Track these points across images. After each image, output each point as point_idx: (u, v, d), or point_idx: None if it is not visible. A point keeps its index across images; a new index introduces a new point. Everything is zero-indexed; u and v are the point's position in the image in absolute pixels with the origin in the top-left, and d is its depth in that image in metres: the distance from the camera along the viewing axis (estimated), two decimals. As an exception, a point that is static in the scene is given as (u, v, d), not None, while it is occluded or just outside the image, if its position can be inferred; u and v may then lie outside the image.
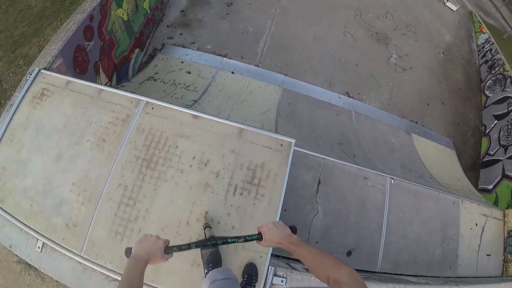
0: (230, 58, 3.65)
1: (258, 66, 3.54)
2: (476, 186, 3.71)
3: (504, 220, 3.01)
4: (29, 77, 2.55)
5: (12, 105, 2.51)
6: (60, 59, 2.61)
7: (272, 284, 1.88)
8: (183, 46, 3.87)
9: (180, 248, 0.96)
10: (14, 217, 2.23)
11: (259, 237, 0.98)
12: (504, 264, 2.92)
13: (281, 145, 1.97)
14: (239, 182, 1.88)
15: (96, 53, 3.01)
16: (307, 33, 4.10)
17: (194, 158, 1.88)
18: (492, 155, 3.89)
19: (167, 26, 4.11)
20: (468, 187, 3.41)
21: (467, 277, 2.70)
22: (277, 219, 1.90)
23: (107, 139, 2.00)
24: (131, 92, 2.53)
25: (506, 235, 2.96)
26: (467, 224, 2.77)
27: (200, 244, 1.01)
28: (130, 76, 3.53)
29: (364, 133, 3.04)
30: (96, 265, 1.93)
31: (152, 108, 1.96)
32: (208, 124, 1.92)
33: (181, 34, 4.02)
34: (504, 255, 2.94)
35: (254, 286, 1.78)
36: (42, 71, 2.54)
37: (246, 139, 1.93)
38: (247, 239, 0.99)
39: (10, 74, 3.15)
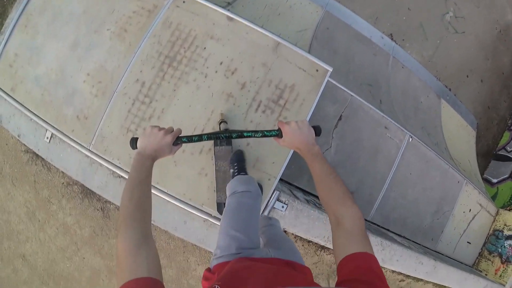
0: (274, -36, 3.18)
1: (303, -20, 3.09)
2: (481, 173, 3.61)
3: (495, 218, 3.04)
4: (49, -42, 2.28)
5: (29, -11, 2.29)
6: None
7: (273, 207, 1.86)
8: None
9: (191, 139, 0.89)
10: (24, 106, 2.16)
11: (278, 133, 0.90)
12: (478, 257, 3.02)
13: (317, 70, 1.79)
14: (264, 99, 1.74)
15: None
16: (366, -41, 3.61)
17: (221, 64, 1.72)
18: (508, 152, 3.73)
19: None
20: (475, 171, 3.36)
21: (442, 254, 2.79)
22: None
23: (129, 30, 1.83)
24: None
25: (491, 232, 3.01)
26: (462, 207, 2.78)
27: (212, 136, 0.92)
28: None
29: (396, 82, 2.83)
30: (104, 160, 1.88)
31: (184, 1, 1.75)
32: (243, 29, 1.73)
33: None
34: (481, 249, 3.02)
35: (246, 170, 1.68)
36: (62, -49, 2.26)
37: (281, 55, 1.74)
38: (265, 134, 0.91)
39: (28, -42, 2.87)
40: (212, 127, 1.71)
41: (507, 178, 3.44)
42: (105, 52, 1.87)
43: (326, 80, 1.81)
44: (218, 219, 1.82)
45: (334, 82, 2.06)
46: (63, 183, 2.26)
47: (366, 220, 2.43)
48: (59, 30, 2.11)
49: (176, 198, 1.79)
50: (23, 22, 2.25)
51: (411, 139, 2.48)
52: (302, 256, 1.09)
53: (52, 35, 2.13)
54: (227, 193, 1.33)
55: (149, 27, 1.78)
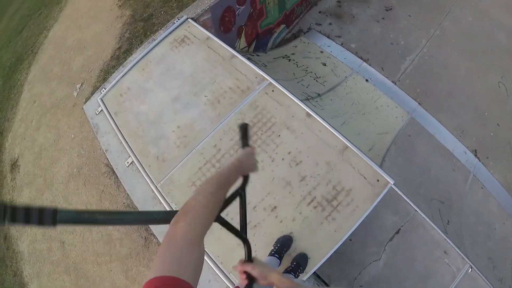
0: (369, 65, 3.58)
1: (395, 84, 3.39)
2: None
3: None
4: (177, 21, 2.93)
5: (155, 40, 2.95)
6: (209, 14, 2.93)
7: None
8: (328, 37, 3.94)
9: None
10: (120, 130, 2.66)
11: None
12: None
13: (378, 180, 1.91)
14: (319, 196, 1.89)
15: (244, 18, 3.26)
16: (459, 67, 3.76)
17: (289, 153, 1.96)
18: None
19: (319, 12, 4.22)
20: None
21: None
22: (333, 249, 1.84)
23: (222, 102, 2.23)
24: (263, 64, 2.69)
25: None
26: None
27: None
28: (268, 48, 3.75)
29: (471, 203, 2.69)
30: (164, 200, 2.21)
31: (273, 90, 2.10)
32: (317, 127, 1.98)
33: (330, 24, 4.10)
34: None
35: (298, 275, 1.84)
36: (189, 20, 2.88)
37: (346, 158, 1.92)
38: None
39: (162, 12, 3.72)
40: (263, 207, 1.91)
41: None
42: (198, 114, 2.30)
43: (385, 192, 1.90)
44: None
45: (399, 192, 2.11)
46: (124, 203, 2.66)
47: None
48: (167, 83, 2.65)
49: (210, 257, 1.97)
50: (141, 65, 2.87)
51: (470, 270, 2.31)
52: None
53: (161, 84, 2.68)
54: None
55: (238, 104, 2.17)
